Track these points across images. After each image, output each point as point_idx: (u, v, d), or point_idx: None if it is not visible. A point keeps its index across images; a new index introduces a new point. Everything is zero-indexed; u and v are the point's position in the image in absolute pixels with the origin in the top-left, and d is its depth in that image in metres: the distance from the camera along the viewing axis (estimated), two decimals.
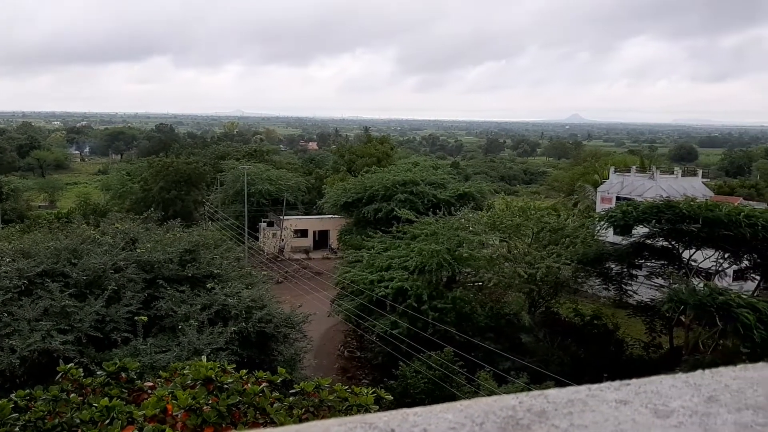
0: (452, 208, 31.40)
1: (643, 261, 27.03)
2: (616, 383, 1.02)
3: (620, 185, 44.93)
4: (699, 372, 1.06)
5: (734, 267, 26.03)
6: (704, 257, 25.32)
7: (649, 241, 26.16)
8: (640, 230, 26.07)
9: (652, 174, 45.75)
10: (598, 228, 27.94)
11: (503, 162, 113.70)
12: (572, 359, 23.98)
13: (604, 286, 28.67)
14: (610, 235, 29.46)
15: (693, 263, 25.48)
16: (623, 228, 26.78)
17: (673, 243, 25.63)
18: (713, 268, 25.36)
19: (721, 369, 1.07)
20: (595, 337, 26.48)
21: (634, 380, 1.02)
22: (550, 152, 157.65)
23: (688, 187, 41.90)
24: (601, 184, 47.56)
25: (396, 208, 32.39)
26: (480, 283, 26.70)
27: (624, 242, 27.18)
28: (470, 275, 27.10)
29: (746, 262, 25.35)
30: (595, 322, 27.47)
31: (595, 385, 1.01)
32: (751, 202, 38.80)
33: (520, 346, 23.99)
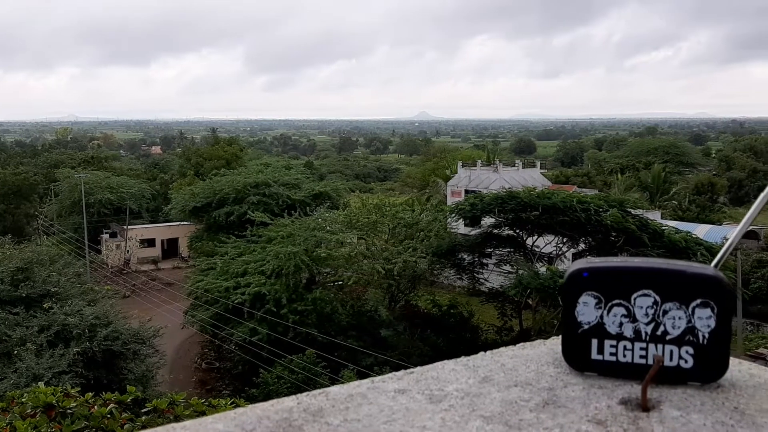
0: (308, 208, 31.16)
1: (492, 250, 28.32)
2: (400, 373, 1.01)
3: (468, 179, 46.98)
4: (481, 354, 1.08)
5: (572, 250, 27.94)
6: (546, 243, 26.97)
7: (496, 231, 27.46)
8: (488, 221, 27.33)
9: (496, 167, 48.27)
10: (450, 220, 28.94)
11: (357, 160, 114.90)
12: (432, 349, 24.60)
13: (458, 276, 29.75)
14: (461, 227, 30.61)
15: (536, 249, 27.09)
16: (472, 219, 27.97)
17: (517, 231, 27.09)
18: (554, 252, 27.08)
19: (502, 349, 1.10)
20: (453, 326, 27.40)
21: (418, 368, 1.03)
22: (402, 149, 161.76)
23: (528, 178, 44.72)
24: (451, 178, 49.50)
25: (249, 211, 31.56)
26: (340, 282, 26.69)
27: (474, 233, 28.34)
28: (330, 275, 27.01)
29: (583, 245, 27.29)
30: (452, 311, 28.42)
31: (379, 377, 1.00)
32: (584, 190, 42.03)
33: (382, 341, 24.26)
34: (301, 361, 21.31)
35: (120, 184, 47.79)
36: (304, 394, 0.95)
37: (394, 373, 1.01)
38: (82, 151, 78.48)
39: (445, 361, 1.05)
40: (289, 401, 0.92)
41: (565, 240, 26.68)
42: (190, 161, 54.16)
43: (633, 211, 25.61)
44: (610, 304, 0.96)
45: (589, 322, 0.96)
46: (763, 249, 34.88)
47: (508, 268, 27.66)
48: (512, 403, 0.89)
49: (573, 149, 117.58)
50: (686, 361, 0.93)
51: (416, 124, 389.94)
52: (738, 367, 1.00)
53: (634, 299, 0.95)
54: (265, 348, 22.54)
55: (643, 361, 0.94)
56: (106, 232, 47.05)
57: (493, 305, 28.63)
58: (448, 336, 26.01)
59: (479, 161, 52.71)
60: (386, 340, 24.37)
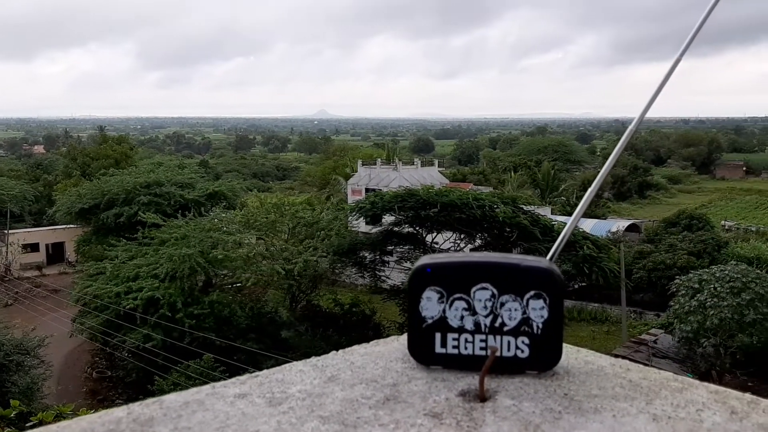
0: (203, 208, 30.30)
1: (392, 247, 28.65)
2: (245, 377, 0.97)
3: (368, 177, 47.32)
4: (332, 353, 1.08)
5: (470, 246, 28.74)
6: (444, 239, 27.59)
7: (396, 229, 27.81)
8: (388, 219, 27.63)
9: (396, 166, 48.88)
10: (351, 219, 29.03)
11: (255, 159, 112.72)
12: (334, 348, 24.36)
13: (360, 275, 29.87)
14: (362, 226, 30.78)
15: (435, 245, 27.66)
16: (373, 217, 28.18)
17: (417, 228, 27.56)
18: (452, 248, 27.74)
19: (355, 347, 1.10)
20: (355, 324, 27.50)
21: (264, 371, 0.99)
22: (301, 148, 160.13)
23: (427, 176, 45.60)
24: (352, 176, 49.68)
25: (140, 212, 30.32)
26: (238, 284, 26.15)
27: (375, 231, 28.58)
28: (227, 277, 26.40)
29: (479, 241, 28.13)
30: (354, 309, 28.53)
31: (221, 383, 0.96)
32: (480, 187, 43.35)
33: (284, 342, 24.01)
34: (199, 367, 20.73)
35: None
36: (137, 403, 0.89)
37: (239, 377, 0.98)
38: None
39: (294, 363, 1.02)
40: (119, 411, 0.87)
41: (462, 236, 27.38)
42: (76, 161, 51.58)
43: (525, 207, 26.69)
44: (451, 299, 0.97)
45: (432, 317, 0.98)
46: (644, 241, 37.24)
47: (408, 265, 28.07)
48: (353, 401, 0.88)
49: (469, 148, 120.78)
50: (523, 351, 0.96)
51: (315, 123, 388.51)
52: (576, 355, 1.04)
53: (474, 293, 0.97)
54: (161, 354, 21.77)
55: (483, 352, 0.97)
56: None
57: (395, 302, 28.97)
58: (351, 335, 26.08)
59: (379, 160, 53.22)
60: (287, 342, 24.14)
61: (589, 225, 35.59)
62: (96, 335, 24.91)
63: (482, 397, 0.89)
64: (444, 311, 0.97)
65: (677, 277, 23.55)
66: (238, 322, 23.95)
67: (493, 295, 0.96)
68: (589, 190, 1.08)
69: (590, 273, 24.03)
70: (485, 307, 0.97)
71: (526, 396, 0.90)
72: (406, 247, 28.52)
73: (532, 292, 0.95)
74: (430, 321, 0.98)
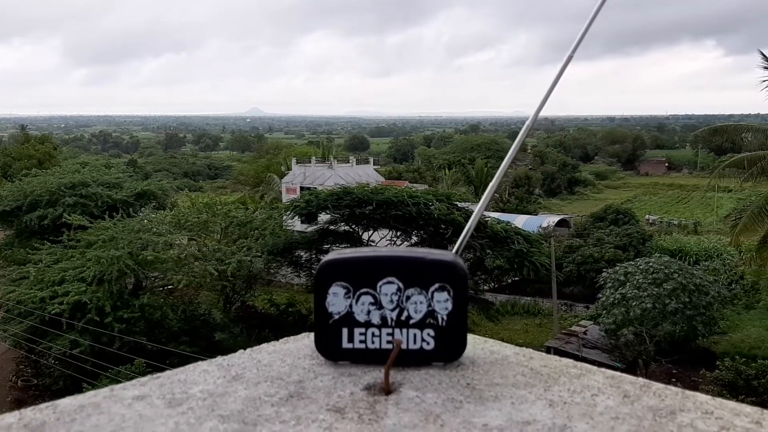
0: (131, 209, 29.47)
1: (329, 246, 28.52)
2: (146, 378, 0.96)
3: (303, 176, 47.05)
4: (240, 351, 1.06)
5: (406, 243, 28.94)
6: (381, 237, 27.69)
7: (332, 227, 27.71)
8: (324, 217, 27.53)
9: (331, 164, 48.76)
10: (286, 218, 28.76)
11: (185, 157, 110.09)
12: None
13: (296, 274, 29.64)
14: (297, 224, 30.53)
15: (372, 243, 27.72)
16: (308, 216, 28.01)
17: (353, 226, 27.56)
18: (388, 245, 27.88)
19: (264, 345, 1.09)
20: (291, 324, 27.27)
21: (166, 372, 0.98)
22: (234, 146, 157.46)
23: (363, 174, 45.68)
24: (286, 175, 49.28)
25: (65, 214, 29.22)
26: (170, 286, 25.54)
27: (310, 230, 28.42)
28: (158, 279, 25.74)
29: (415, 238, 28.37)
30: (290, 309, 28.32)
31: (121, 385, 0.95)
32: (415, 185, 43.68)
33: (218, 344, 23.59)
34: (130, 372, 20.14)
35: None
36: (30, 408, 0.88)
37: (139, 379, 0.96)
38: None
39: (201, 362, 1.01)
40: (10, 417, 0.84)
41: (398, 234, 27.54)
42: None
43: (460, 204, 27.07)
44: (358, 293, 0.98)
45: (339, 312, 0.98)
46: (573, 236, 38.34)
47: None
48: (256, 399, 0.87)
49: (404, 146, 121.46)
50: (428, 343, 0.97)
51: (248, 120, 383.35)
52: (482, 345, 1.06)
53: (380, 287, 0.98)
54: (89, 360, 21.05)
55: (390, 346, 0.98)
56: None
57: None
58: (287, 335, 25.75)
59: (314, 158, 52.97)
60: (222, 344, 23.74)
61: (521, 221, 36.41)
62: (20, 342, 23.99)
63: (387, 390, 0.90)
64: (350, 306, 0.98)
65: (605, 270, 24.38)
66: (170, 325, 23.39)
67: (399, 289, 0.97)
68: (491, 184, 1.10)
69: (522, 267, 24.59)
70: (391, 301, 0.97)
71: (430, 387, 0.91)
72: (343, 246, 28.47)
73: (436, 285, 0.96)
74: (336, 316, 0.98)
